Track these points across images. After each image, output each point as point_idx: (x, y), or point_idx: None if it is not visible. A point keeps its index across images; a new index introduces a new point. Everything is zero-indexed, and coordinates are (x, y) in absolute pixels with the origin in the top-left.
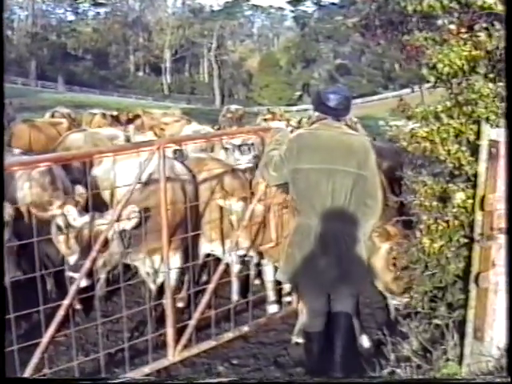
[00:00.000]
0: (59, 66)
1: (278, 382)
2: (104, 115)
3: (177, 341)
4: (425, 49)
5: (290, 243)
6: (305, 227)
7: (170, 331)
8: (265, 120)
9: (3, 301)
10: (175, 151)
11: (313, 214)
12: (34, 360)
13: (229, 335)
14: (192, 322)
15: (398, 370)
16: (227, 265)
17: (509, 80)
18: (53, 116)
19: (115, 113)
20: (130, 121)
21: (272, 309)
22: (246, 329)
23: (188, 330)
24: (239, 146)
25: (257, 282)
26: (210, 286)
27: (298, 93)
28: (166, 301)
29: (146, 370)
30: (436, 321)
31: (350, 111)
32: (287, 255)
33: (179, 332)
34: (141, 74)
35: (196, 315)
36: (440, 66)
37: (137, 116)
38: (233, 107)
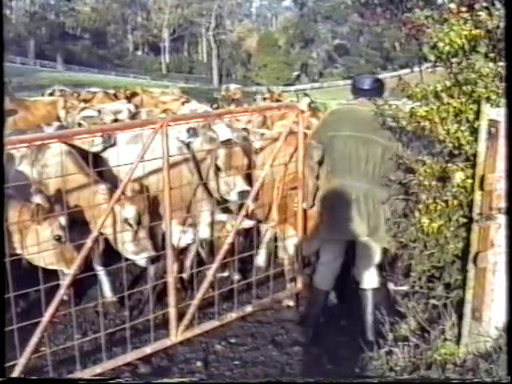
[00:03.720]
0: (58, 45)
1: (278, 381)
2: (107, 93)
3: (179, 321)
4: (425, 28)
5: (322, 206)
6: (338, 187)
7: (172, 311)
8: (264, 99)
9: (3, 300)
10: (189, 130)
11: (347, 174)
12: (34, 339)
13: (232, 315)
14: (194, 302)
15: (396, 350)
16: (232, 244)
17: (509, 59)
18: (51, 94)
19: (112, 91)
20: (128, 99)
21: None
22: (249, 309)
23: (190, 310)
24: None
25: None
26: (214, 266)
27: (296, 73)
28: (168, 280)
29: (148, 350)
30: (434, 301)
31: (382, 93)
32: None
33: (181, 312)
34: (139, 53)
35: (198, 295)
36: (440, 44)
37: (135, 94)
38: (232, 86)
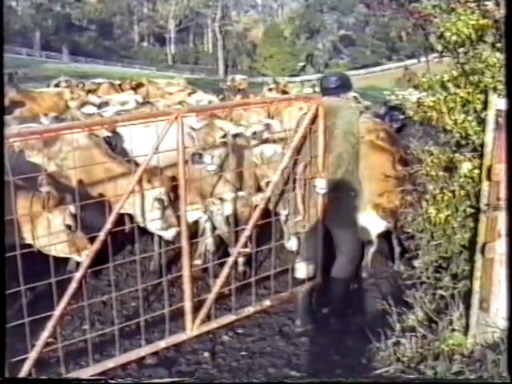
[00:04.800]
0: (63, 37)
1: (278, 381)
2: (112, 84)
3: (195, 314)
4: (432, 17)
5: None
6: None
7: (187, 305)
8: (270, 90)
9: (3, 301)
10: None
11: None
12: (45, 333)
13: (249, 309)
14: (211, 296)
15: (403, 340)
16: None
17: (509, 48)
18: (57, 86)
19: (118, 82)
20: (133, 89)
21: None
22: (267, 303)
23: (207, 303)
24: None
25: None
26: (231, 259)
27: (302, 63)
28: (184, 273)
29: (163, 344)
30: (441, 291)
31: (349, 89)
32: None
33: (198, 305)
34: (145, 44)
35: (216, 289)
36: (447, 34)
37: (141, 84)
38: (238, 77)
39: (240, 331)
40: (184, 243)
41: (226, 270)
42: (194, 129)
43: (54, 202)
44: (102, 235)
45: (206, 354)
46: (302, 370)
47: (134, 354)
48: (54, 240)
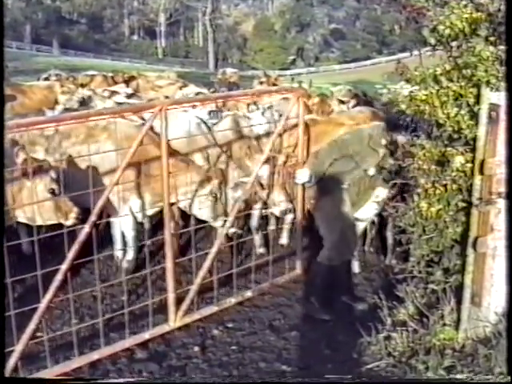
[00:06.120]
0: (54, 30)
1: (276, 382)
2: (105, 76)
3: (177, 306)
4: (425, 10)
5: None
6: None
7: (170, 296)
8: (261, 83)
9: (2, 300)
10: (210, 112)
11: None
12: (32, 326)
13: (231, 300)
14: (193, 287)
15: (394, 335)
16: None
17: (509, 43)
18: (47, 79)
19: (110, 74)
20: (125, 82)
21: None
22: (248, 294)
23: (189, 295)
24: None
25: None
26: (213, 251)
27: (292, 57)
28: (167, 265)
29: (146, 335)
30: (432, 286)
31: None
32: None
33: (180, 297)
34: (135, 37)
35: (197, 280)
36: (441, 28)
37: (132, 77)
38: (228, 70)
39: (230, 325)
40: (167, 236)
41: (208, 262)
42: (203, 122)
43: (32, 169)
44: (86, 227)
45: (196, 349)
46: (292, 365)
47: (118, 346)
48: (40, 208)
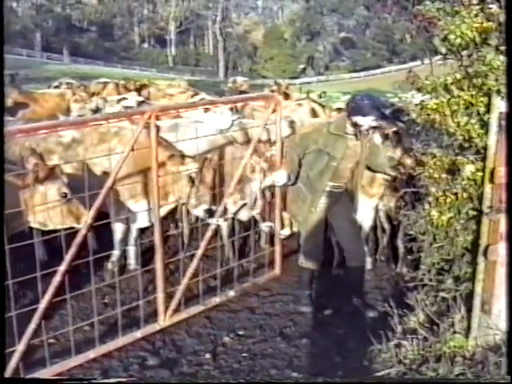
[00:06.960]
0: (64, 38)
1: (276, 382)
2: (117, 84)
3: (166, 306)
4: (436, 20)
5: None
6: None
7: (160, 296)
8: (271, 92)
9: (3, 301)
10: (232, 109)
11: None
12: (32, 326)
13: (216, 300)
14: (181, 287)
15: (405, 342)
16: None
17: (509, 50)
18: (57, 87)
19: (122, 82)
20: (137, 90)
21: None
22: (231, 293)
23: (177, 295)
24: None
25: None
26: (199, 252)
27: (302, 66)
28: (156, 265)
29: (138, 334)
30: (443, 293)
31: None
32: None
33: (169, 297)
34: (145, 45)
35: (185, 280)
36: (451, 37)
37: (144, 85)
38: (239, 79)
39: (241, 333)
40: (157, 237)
41: (195, 262)
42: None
43: (44, 174)
44: (83, 230)
45: (208, 356)
46: (303, 372)
47: (112, 345)
48: (52, 212)
